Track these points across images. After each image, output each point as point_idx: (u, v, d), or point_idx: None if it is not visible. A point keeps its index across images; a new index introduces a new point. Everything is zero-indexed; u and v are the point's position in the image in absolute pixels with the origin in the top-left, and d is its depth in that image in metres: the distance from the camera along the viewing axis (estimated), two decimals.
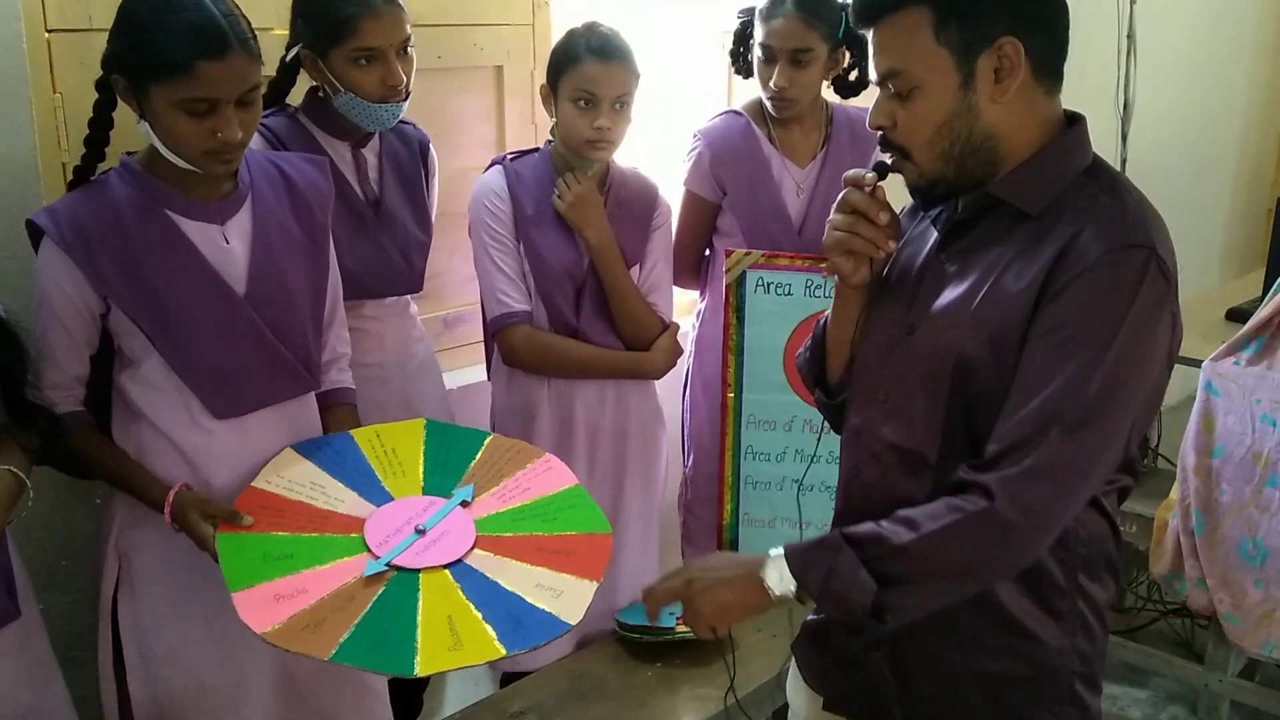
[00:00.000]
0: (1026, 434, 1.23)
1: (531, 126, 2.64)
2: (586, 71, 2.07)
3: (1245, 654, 2.74)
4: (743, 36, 2.39)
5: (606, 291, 2.18)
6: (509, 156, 2.23)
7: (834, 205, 1.40)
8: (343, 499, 1.72)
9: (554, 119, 2.16)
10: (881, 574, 1.25)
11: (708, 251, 2.51)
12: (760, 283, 2.31)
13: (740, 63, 2.41)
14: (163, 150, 1.61)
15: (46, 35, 1.90)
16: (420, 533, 1.65)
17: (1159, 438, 3.19)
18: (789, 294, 2.30)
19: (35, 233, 1.66)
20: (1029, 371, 1.25)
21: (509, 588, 1.59)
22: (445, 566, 1.61)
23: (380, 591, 1.56)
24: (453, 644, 1.49)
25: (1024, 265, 1.26)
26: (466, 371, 2.59)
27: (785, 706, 2.23)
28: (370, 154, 2.10)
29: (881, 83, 1.31)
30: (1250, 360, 2.71)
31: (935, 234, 1.39)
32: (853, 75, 2.38)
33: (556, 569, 1.63)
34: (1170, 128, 4.23)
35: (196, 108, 1.55)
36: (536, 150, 2.24)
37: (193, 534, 1.63)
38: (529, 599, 1.57)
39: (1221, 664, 2.82)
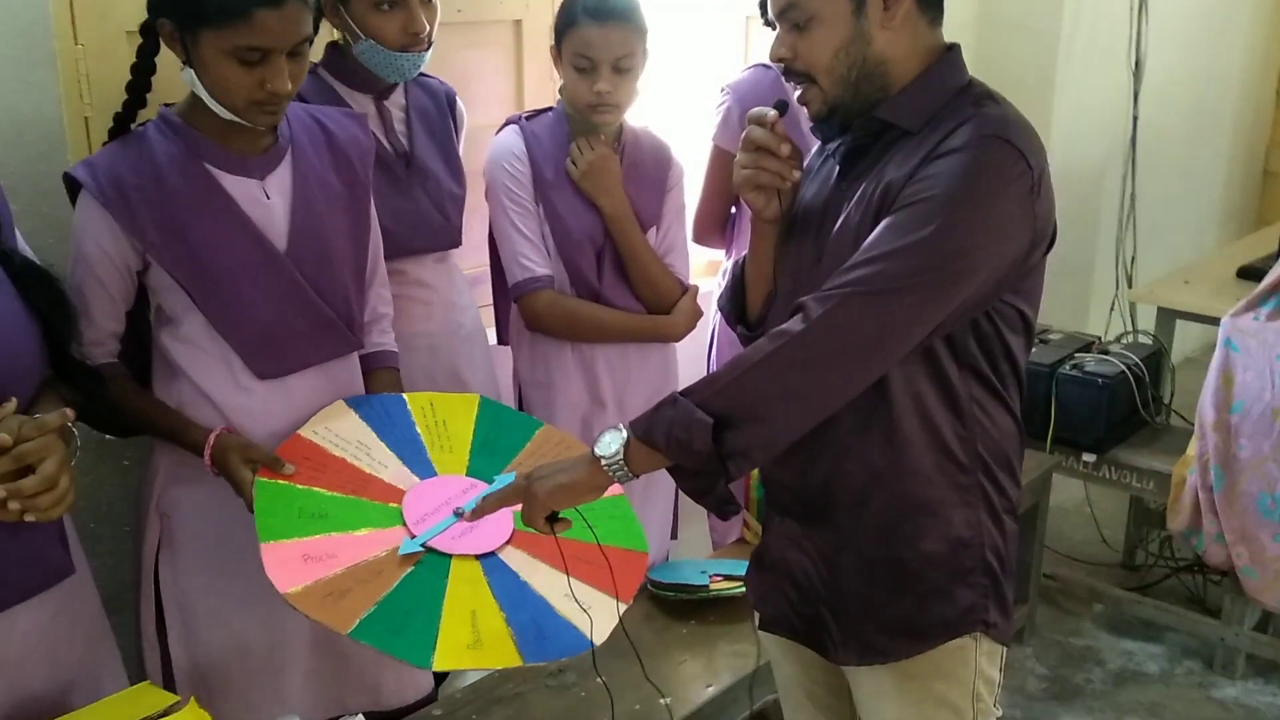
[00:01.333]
0: (854, 264, 1.31)
1: (551, 83, 2.60)
2: (583, 35, 2.02)
3: (1264, 607, 2.77)
4: None
5: (623, 258, 2.16)
6: (524, 116, 2.20)
7: (739, 145, 1.47)
8: (386, 464, 1.69)
9: (561, 81, 2.13)
10: (716, 413, 1.30)
11: (733, 210, 2.48)
12: None
13: (768, 14, 2.38)
14: (207, 99, 1.58)
15: None
16: (458, 515, 1.61)
17: (1172, 394, 3.20)
18: None
19: (72, 187, 1.63)
20: (876, 230, 1.32)
21: (538, 591, 1.56)
22: (478, 557, 1.58)
23: (409, 571, 1.53)
24: (472, 641, 1.46)
25: (899, 172, 1.35)
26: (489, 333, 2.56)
27: None
28: (395, 108, 2.06)
29: (779, 16, 1.40)
30: (1270, 316, 2.72)
31: (836, 166, 1.46)
32: None
33: (589, 581, 1.58)
34: (1176, 89, 4.23)
35: (249, 56, 1.51)
36: (550, 110, 2.20)
37: (232, 477, 1.61)
38: (556, 608, 1.54)
39: (1238, 618, 2.85)
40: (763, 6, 2.40)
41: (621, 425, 1.37)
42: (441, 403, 1.83)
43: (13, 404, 1.33)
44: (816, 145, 1.54)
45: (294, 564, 1.49)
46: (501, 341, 2.39)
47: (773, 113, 1.44)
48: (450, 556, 1.57)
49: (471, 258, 2.54)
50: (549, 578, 1.58)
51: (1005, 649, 1.51)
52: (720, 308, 1.67)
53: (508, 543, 1.62)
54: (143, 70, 1.64)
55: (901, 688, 1.48)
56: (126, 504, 1.92)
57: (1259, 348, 2.70)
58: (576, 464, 1.40)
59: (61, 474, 1.30)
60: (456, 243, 2.15)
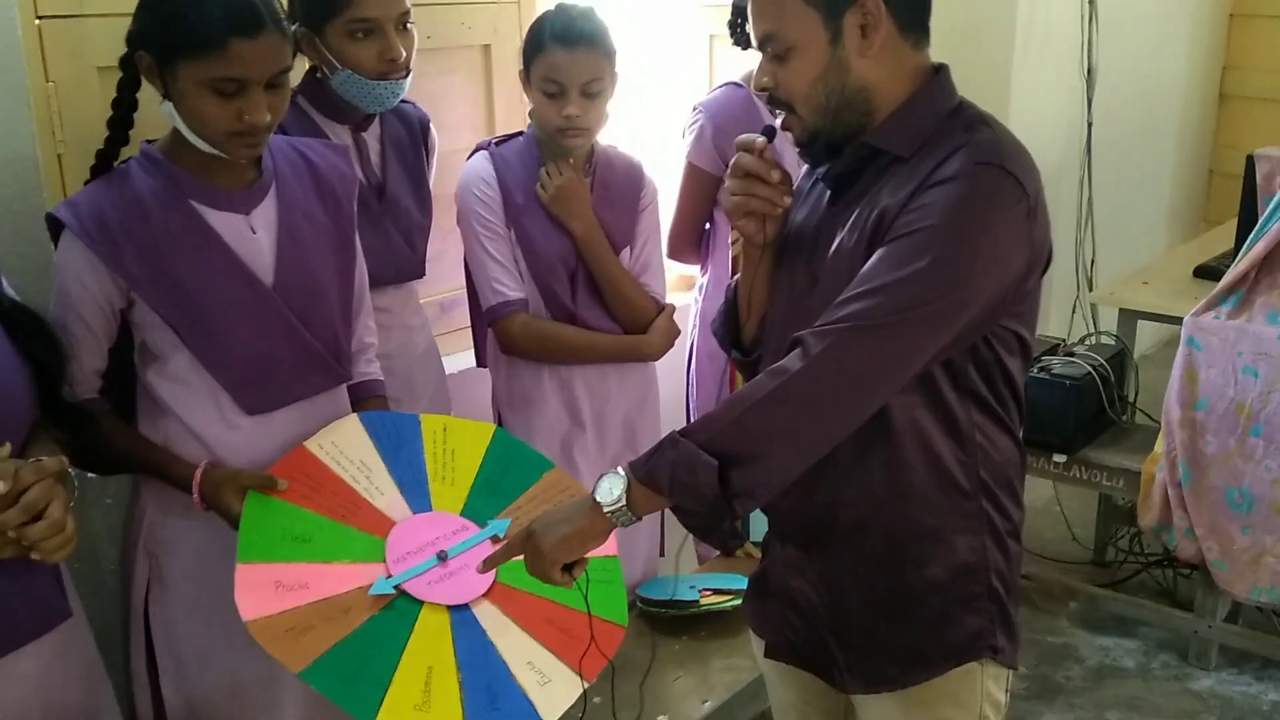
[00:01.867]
0: (850, 297, 1.30)
1: (521, 106, 2.61)
2: (551, 59, 2.03)
3: (1234, 599, 2.83)
4: (740, 7, 2.39)
5: (597, 279, 2.17)
6: (494, 141, 2.20)
7: (728, 172, 1.47)
8: (384, 491, 1.68)
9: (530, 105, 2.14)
10: (719, 453, 1.29)
11: (707, 225, 2.50)
12: None
13: (738, 34, 2.41)
14: (186, 133, 1.57)
15: (37, 22, 1.83)
16: (441, 559, 1.60)
17: (1136, 393, 3.27)
18: None
19: (55, 226, 1.61)
20: (872, 260, 1.32)
21: (501, 655, 1.54)
22: (450, 608, 1.56)
23: (376, 614, 1.51)
24: (420, 702, 1.44)
25: (894, 199, 1.34)
26: (464, 356, 2.57)
27: None
28: (371, 138, 2.07)
29: (760, 46, 1.40)
30: (1230, 314, 2.79)
31: (827, 191, 1.46)
32: None
33: (555, 650, 1.56)
34: (1126, 95, 4.32)
35: (225, 87, 1.51)
36: (520, 134, 2.21)
37: (224, 511, 1.60)
38: (515, 676, 1.51)
39: (1210, 610, 2.91)
40: (732, 27, 2.44)
41: (620, 468, 1.36)
42: (455, 429, 1.82)
43: (7, 448, 1.32)
44: (805, 168, 1.54)
45: (264, 589, 1.48)
46: (481, 364, 2.40)
47: (761, 139, 1.44)
48: (421, 604, 1.55)
49: (445, 282, 2.55)
50: (517, 639, 1.57)
51: (1011, 671, 1.51)
52: (714, 333, 1.66)
53: (484, 595, 1.60)
54: (124, 105, 1.63)
55: (909, 713, 1.48)
56: (111, 542, 1.90)
57: (1220, 345, 2.77)
58: (577, 512, 1.38)
59: (67, 517, 1.30)
60: (420, 274, 2.17)
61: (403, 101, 2.10)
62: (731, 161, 1.46)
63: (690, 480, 1.30)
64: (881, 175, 1.38)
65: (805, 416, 1.31)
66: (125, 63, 1.61)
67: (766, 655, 1.60)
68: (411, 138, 2.13)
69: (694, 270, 2.69)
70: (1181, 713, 2.79)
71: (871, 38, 1.34)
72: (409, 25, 1.96)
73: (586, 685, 1.55)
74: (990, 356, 1.39)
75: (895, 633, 1.46)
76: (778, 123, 1.45)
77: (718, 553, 2.54)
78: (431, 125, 2.19)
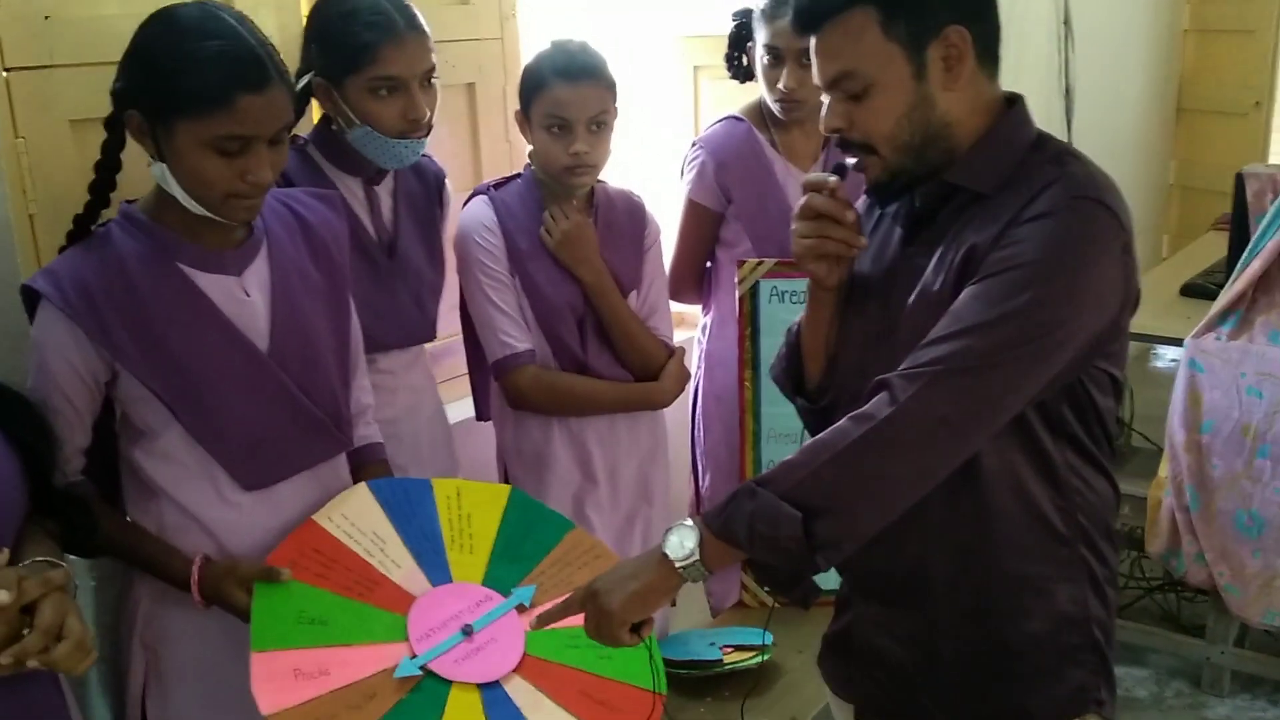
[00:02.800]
0: (941, 338, 1.24)
1: (506, 145, 2.52)
2: (555, 95, 1.95)
3: (1249, 624, 2.79)
4: (739, 39, 2.31)
5: (607, 326, 2.07)
6: (492, 185, 2.11)
7: (794, 214, 1.42)
8: (400, 564, 1.58)
9: (531, 146, 2.05)
10: (802, 504, 1.23)
11: (708, 264, 2.42)
12: (774, 291, 2.24)
13: (735, 67, 2.34)
14: (180, 196, 1.45)
15: (5, 74, 1.70)
16: (467, 633, 1.52)
17: (1131, 415, 3.23)
18: (803, 300, 2.21)
19: (30, 298, 1.49)
20: (961, 298, 1.26)
21: None
22: (480, 686, 1.48)
23: (403, 698, 1.42)
24: None
25: (981, 236, 1.28)
26: (457, 407, 2.45)
27: None
28: (384, 192, 1.95)
29: (831, 86, 1.32)
30: (1230, 334, 2.76)
31: (898, 230, 1.41)
32: None
33: None
34: (1098, 112, 4.33)
35: (229, 146, 1.40)
36: (518, 176, 2.11)
37: (233, 607, 1.49)
38: None
39: (1223, 636, 2.87)
40: (729, 60, 2.37)
41: (690, 520, 1.30)
42: (469, 492, 1.72)
43: (5, 555, 1.20)
44: (862, 204, 1.47)
45: (283, 679, 1.38)
46: (480, 417, 2.29)
47: (834, 179, 1.38)
48: (450, 684, 1.46)
49: (440, 329, 2.44)
50: (552, 716, 1.49)
51: None
52: (774, 379, 1.59)
53: (516, 669, 1.51)
54: (107, 168, 1.51)
55: None
56: (99, 629, 1.76)
57: (1223, 366, 2.74)
58: (644, 568, 1.32)
59: (86, 631, 1.21)
60: (430, 337, 2.06)
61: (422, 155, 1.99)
62: (800, 203, 1.40)
63: (771, 533, 1.24)
64: (962, 213, 1.32)
65: (894, 464, 1.24)
66: (112, 123, 1.49)
67: (859, 718, 1.53)
68: (426, 192, 2.01)
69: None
70: None
71: (956, 70, 1.29)
72: (433, 81, 1.85)
73: None
74: (1085, 397, 1.32)
75: (995, 691, 1.39)
76: (849, 162, 1.38)
77: (731, 603, 2.45)
78: (447, 181, 2.08)
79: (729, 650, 2.12)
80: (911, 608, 1.41)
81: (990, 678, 1.39)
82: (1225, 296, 2.80)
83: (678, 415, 2.53)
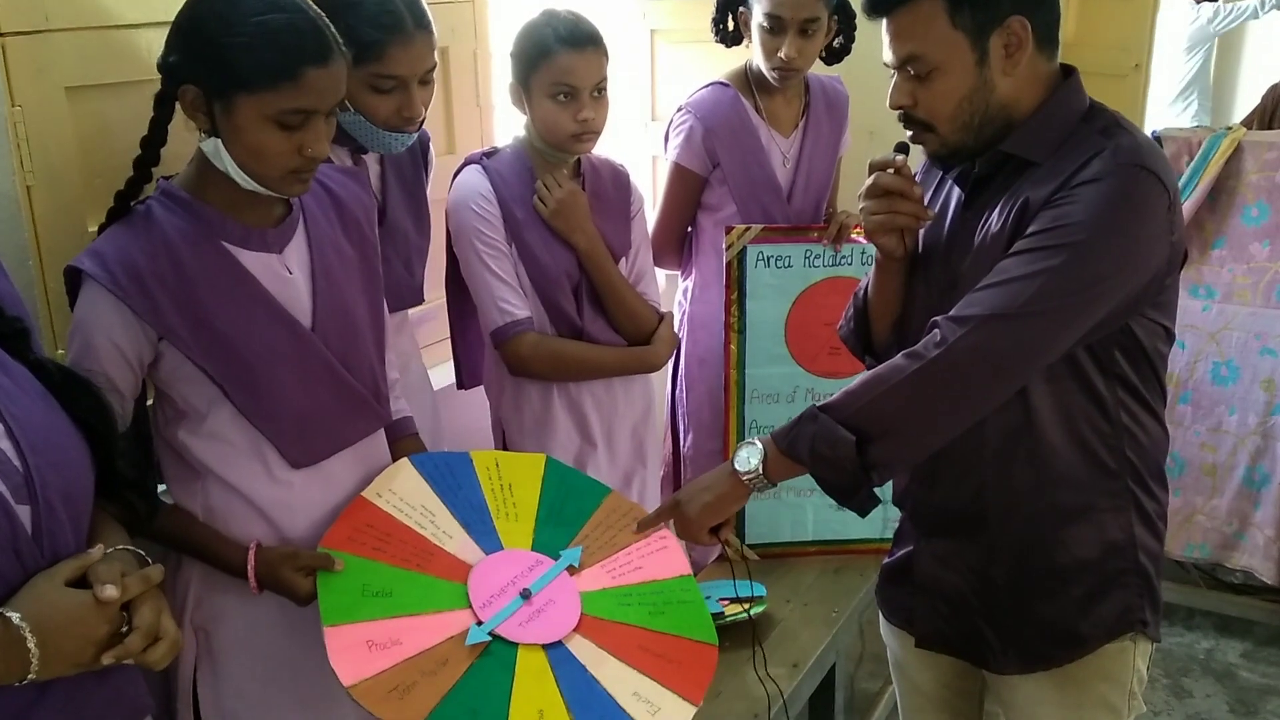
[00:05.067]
0: (989, 285, 1.36)
1: (476, 110, 2.51)
2: (562, 63, 1.95)
3: (1170, 557, 3.02)
4: (726, 5, 2.34)
5: (600, 292, 2.11)
6: (483, 154, 2.10)
7: (862, 191, 1.52)
8: (451, 534, 1.60)
9: (527, 116, 2.05)
10: (857, 429, 1.40)
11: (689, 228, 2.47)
12: (761, 257, 2.30)
13: (722, 31, 2.36)
14: (232, 169, 1.42)
15: (0, 40, 1.62)
16: (526, 597, 1.55)
17: None
18: (789, 266, 2.30)
19: (73, 278, 1.44)
20: (1011, 252, 1.37)
21: (604, 687, 1.50)
22: (545, 647, 1.52)
23: (475, 662, 1.46)
24: None
25: (1036, 194, 1.39)
26: (436, 373, 2.44)
27: (830, 681, 2.30)
28: (371, 160, 1.93)
29: (900, 66, 1.42)
30: None
31: (957, 193, 1.52)
32: (836, 42, 2.38)
33: (658, 678, 1.53)
34: None
35: (292, 120, 1.38)
36: (506, 147, 2.11)
37: (292, 593, 1.49)
38: (625, 709, 1.48)
39: None
40: (716, 24, 2.39)
41: (757, 439, 1.47)
42: (508, 463, 1.75)
43: (100, 549, 1.18)
44: (920, 170, 1.56)
45: (358, 651, 1.40)
46: (461, 386, 2.29)
47: (900, 156, 1.46)
48: (517, 646, 1.50)
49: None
50: (617, 671, 1.53)
51: (1154, 645, 1.57)
52: (843, 339, 1.70)
53: (575, 629, 1.56)
54: (154, 143, 1.46)
55: (1064, 691, 1.53)
56: None
57: None
58: (717, 480, 1.51)
59: (178, 630, 1.22)
60: (419, 300, 2.07)
61: None
62: (868, 182, 1.48)
63: (830, 453, 1.40)
64: (1016, 176, 1.43)
65: (940, 399, 1.38)
66: (163, 98, 1.44)
67: (919, 646, 1.65)
68: (412, 157, 2.00)
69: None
70: None
71: (1016, 57, 1.39)
72: (431, 77, 1.83)
73: (695, 709, 1.52)
74: (1134, 344, 1.43)
75: (1047, 613, 1.51)
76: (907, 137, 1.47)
77: (713, 559, 2.53)
78: (430, 143, 2.06)
79: (726, 602, 2.19)
80: (969, 540, 1.53)
81: (1043, 601, 1.51)
82: None
83: (657, 376, 2.58)
